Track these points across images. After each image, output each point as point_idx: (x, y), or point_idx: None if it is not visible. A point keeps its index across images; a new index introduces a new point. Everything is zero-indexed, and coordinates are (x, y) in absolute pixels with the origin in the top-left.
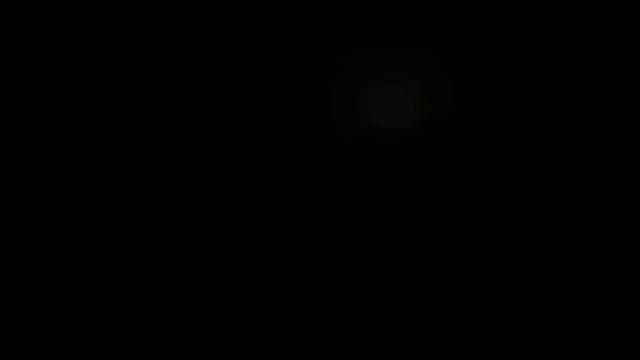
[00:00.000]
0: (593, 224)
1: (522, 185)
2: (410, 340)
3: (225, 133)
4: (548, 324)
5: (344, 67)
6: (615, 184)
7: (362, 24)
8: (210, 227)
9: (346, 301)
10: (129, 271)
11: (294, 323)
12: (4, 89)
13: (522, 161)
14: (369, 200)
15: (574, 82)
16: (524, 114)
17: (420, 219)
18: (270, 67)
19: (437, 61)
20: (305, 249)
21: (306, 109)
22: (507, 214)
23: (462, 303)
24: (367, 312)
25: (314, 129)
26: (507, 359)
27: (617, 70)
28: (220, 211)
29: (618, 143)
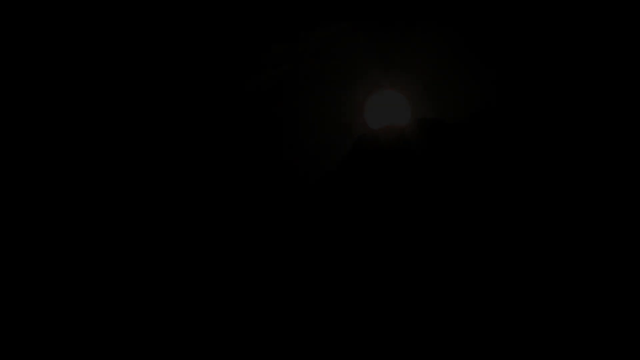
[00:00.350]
0: (592, 224)
1: (520, 185)
2: (407, 339)
3: (227, 137)
4: (548, 323)
5: (341, 69)
6: (614, 185)
7: (361, 27)
8: (208, 225)
9: (345, 297)
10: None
11: (291, 320)
12: (4, 89)
13: (519, 162)
14: (369, 199)
15: (569, 85)
16: (521, 114)
17: (417, 216)
18: (269, 68)
19: (434, 64)
20: (304, 247)
21: (306, 111)
22: (503, 213)
23: (460, 301)
24: (365, 309)
25: (313, 130)
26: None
27: (613, 73)
28: (217, 211)
29: (615, 144)
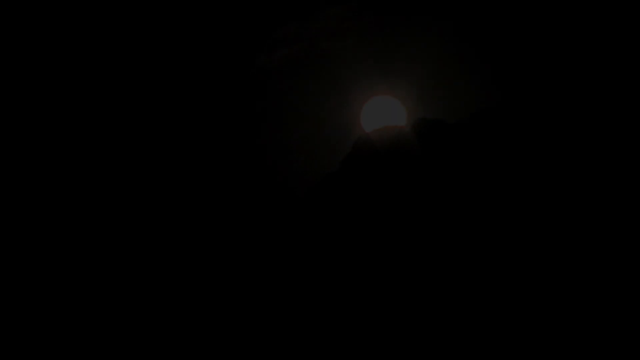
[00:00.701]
0: (591, 223)
1: (520, 184)
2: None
3: (227, 141)
4: (547, 322)
5: (342, 73)
6: (614, 184)
7: (361, 29)
8: (208, 222)
9: (347, 297)
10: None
11: (294, 320)
12: (4, 89)
13: (519, 161)
14: (370, 200)
15: (569, 84)
16: (520, 114)
17: (418, 216)
18: (269, 69)
19: (434, 66)
20: (305, 246)
21: (308, 112)
22: (503, 212)
23: (459, 301)
24: (365, 307)
25: (314, 131)
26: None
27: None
28: (218, 210)
29: (615, 144)
